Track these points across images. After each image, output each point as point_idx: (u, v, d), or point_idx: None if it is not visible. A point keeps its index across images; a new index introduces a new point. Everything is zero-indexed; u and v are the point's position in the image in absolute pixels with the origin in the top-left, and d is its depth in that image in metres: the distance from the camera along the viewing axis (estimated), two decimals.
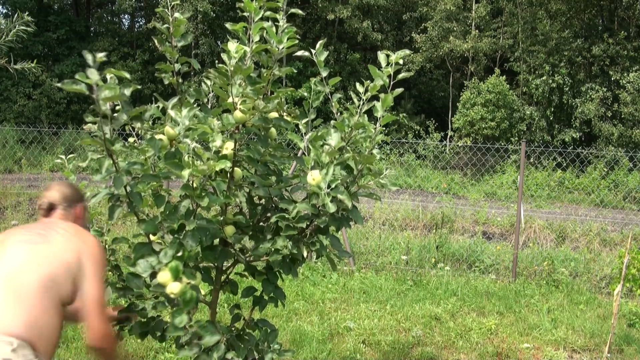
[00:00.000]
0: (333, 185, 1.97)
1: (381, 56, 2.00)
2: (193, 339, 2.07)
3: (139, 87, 2.04)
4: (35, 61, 4.15)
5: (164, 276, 1.95)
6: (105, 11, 27.42)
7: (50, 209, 2.11)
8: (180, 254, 1.99)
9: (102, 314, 1.92)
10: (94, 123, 1.95)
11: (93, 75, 1.75)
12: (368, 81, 2.03)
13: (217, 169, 1.95)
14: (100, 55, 1.79)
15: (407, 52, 2.02)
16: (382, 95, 2.00)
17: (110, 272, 2.40)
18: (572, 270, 6.52)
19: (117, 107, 2.05)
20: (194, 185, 2.01)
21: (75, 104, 20.60)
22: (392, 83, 1.99)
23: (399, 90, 2.00)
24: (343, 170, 2.08)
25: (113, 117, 1.90)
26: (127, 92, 1.86)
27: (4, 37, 3.88)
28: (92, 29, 25.47)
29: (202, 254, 2.18)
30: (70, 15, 24.01)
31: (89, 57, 1.77)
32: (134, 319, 2.31)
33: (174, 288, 1.94)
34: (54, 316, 1.84)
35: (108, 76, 1.91)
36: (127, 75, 1.87)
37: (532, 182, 14.36)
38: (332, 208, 1.92)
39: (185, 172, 1.88)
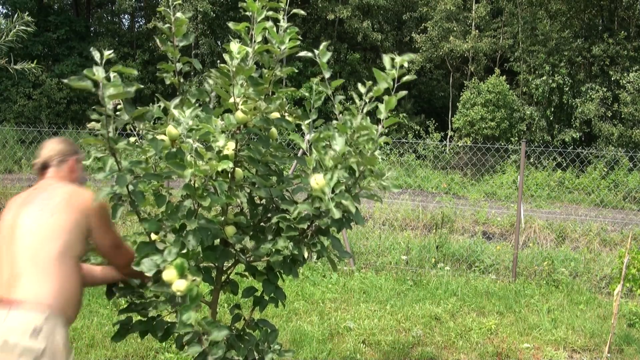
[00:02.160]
0: (337, 191, 1.96)
1: (386, 59, 1.99)
2: (194, 338, 2.07)
3: (142, 86, 2.05)
4: (35, 62, 4.15)
5: (170, 274, 1.95)
6: (105, 11, 27.43)
7: (43, 167, 2.17)
8: (184, 251, 1.99)
9: (120, 254, 2.11)
10: (98, 122, 1.95)
11: (99, 72, 1.75)
12: (370, 82, 2.03)
13: (219, 169, 1.94)
14: (108, 53, 1.80)
15: (412, 55, 2.01)
16: (385, 98, 1.99)
17: None
18: (572, 270, 6.52)
19: (119, 107, 2.05)
20: (196, 185, 2.01)
21: (75, 104, 20.60)
22: (396, 86, 1.99)
23: (403, 92, 1.99)
24: (345, 173, 2.08)
25: (116, 116, 1.90)
26: (132, 89, 1.86)
27: (4, 37, 3.89)
28: (92, 29, 25.48)
29: (203, 254, 2.18)
30: (70, 15, 24.02)
31: (96, 54, 1.78)
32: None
33: (180, 285, 1.93)
34: (74, 278, 1.97)
35: (112, 75, 1.91)
36: (135, 72, 1.88)
37: (532, 182, 14.36)
38: (337, 214, 1.91)
39: (187, 172, 1.87)
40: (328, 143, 2.08)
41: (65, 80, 1.75)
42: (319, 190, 1.95)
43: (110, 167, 1.93)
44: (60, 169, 2.17)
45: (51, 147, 2.20)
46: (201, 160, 1.94)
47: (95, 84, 1.76)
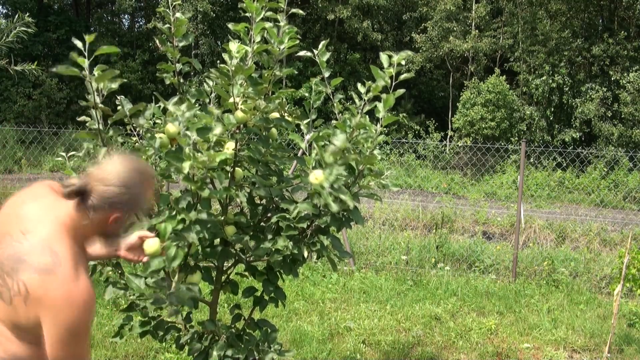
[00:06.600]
0: (336, 186, 1.96)
1: (383, 57, 1.99)
2: (193, 339, 2.07)
3: (137, 83, 2.04)
4: (35, 63, 4.15)
5: (152, 244, 1.74)
6: (105, 11, 27.43)
7: (78, 193, 1.42)
8: (174, 214, 1.90)
9: None
10: (89, 115, 1.96)
11: (85, 63, 1.75)
12: (370, 82, 2.03)
13: (218, 159, 1.90)
14: (90, 37, 1.80)
15: (410, 53, 2.00)
16: (383, 96, 1.99)
17: (111, 271, 2.40)
18: (572, 270, 6.52)
19: (118, 107, 2.05)
20: (195, 178, 2.00)
21: (75, 104, 20.59)
22: (394, 84, 1.99)
23: (401, 90, 1.99)
24: (344, 171, 2.08)
25: (105, 105, 1.90)
26: (116, 72, 1.85)
27: (4, 38, 3.89)
28: (92, 29, 25.46)
29: (203, 253, 2.18)
30: (70, 15, 24.02)
31: (78, 43, 1.78)
32: None
33: (150, 245, 1.71)
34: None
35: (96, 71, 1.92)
36: (117, 50, 1.87)
37: (532, 182, 14.36)
38: (334, 208, 1.91)
39: (186, 164, 1.85)
40: (327, 142, 2.08)
41: (54, 69, 1.72)
42: (318, 185, 1.95)
43: (103, 156, 1.91)
44: (97, 214, 1.43)
45: (110, 173, 1.42)
46: (199, 153, 1.93)
47: (82, 69, 1.76)
